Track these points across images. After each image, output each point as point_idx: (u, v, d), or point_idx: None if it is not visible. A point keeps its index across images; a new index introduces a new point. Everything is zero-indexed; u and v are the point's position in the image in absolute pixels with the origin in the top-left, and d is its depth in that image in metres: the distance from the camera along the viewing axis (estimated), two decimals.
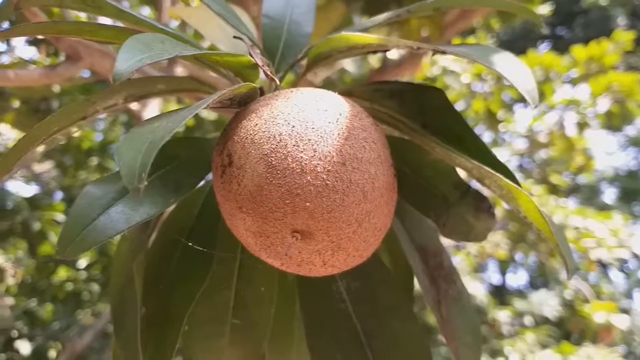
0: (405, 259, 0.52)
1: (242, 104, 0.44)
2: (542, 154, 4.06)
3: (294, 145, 0.39)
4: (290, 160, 0.38)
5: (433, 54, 0.47)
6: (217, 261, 0.50)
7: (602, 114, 3.46)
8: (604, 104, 3.32)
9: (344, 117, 0.41)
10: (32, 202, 3.21)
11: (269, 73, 0.45)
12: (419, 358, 0.49)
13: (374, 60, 3.32)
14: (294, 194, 0.38)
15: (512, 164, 4.74)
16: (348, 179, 0.39)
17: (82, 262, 3.81)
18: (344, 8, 1.30)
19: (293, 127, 0.39)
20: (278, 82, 0.46)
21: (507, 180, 0.42)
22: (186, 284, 0.48)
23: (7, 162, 0.43)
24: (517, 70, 0.41)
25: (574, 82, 3.59)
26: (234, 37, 0.48)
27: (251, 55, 0.43)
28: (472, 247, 4.58)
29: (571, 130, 3.59)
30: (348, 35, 0.47)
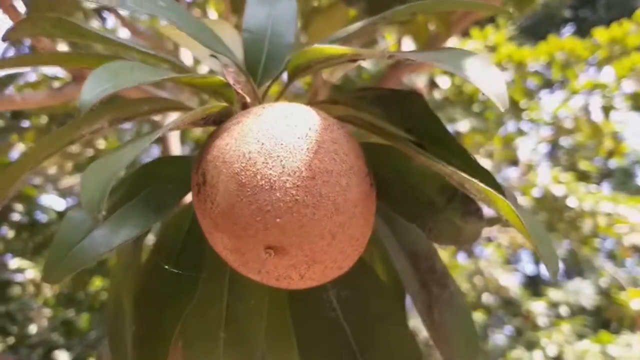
0: (393, 267, 0.52)
1: (218, 122, 0.45)
2: (569, 140, 3.98)
3: (263, 162, 0.39)
4: (259, 177, 0.39)
5: (405, 61, 0.47)
6: (207, 276, 0.51)
7: (628, 96, 3.37)
8: (630, 86, 3.24)
9: (313, 131, 0.41)
10: (63, 216, 3.29)
11: (239, 91, 0.45)
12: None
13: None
14: (264, 210, 0.38)
15: (539, 151, 4.66)
16: (318, 193, 0.39)
17: None
18: (347, 9, 1.30)
19: (262, 144, 0.40)
20: (248, 100, 0.46)
21: (483, 185, 0.42)
22: (175, 300, 0.49)
23: (3, 185, 0.44)
24: (485, 75, 0.40)
25: (597, 65, 3.51)
26: (210, 55, 0.49)
27: (223, 75, 0.44)
28: (503, 239, 4.52)
29: (597, 115, 3.51)
30: (322, 47, 0.47)
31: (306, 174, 0.39)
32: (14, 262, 3.31)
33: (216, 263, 0.52)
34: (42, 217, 3.48)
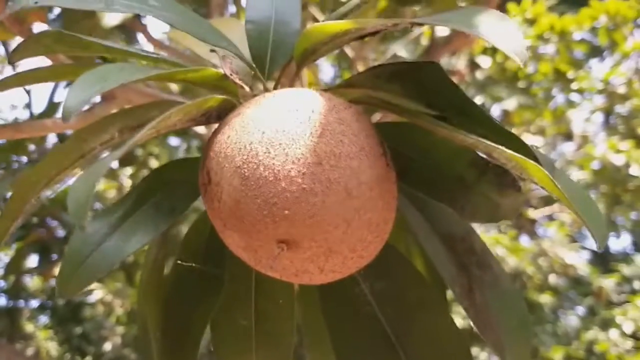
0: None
1: (221, 118, 0.43)
2: (625, 106, 3.77)
3: (265, 152, 0.37)
4: (262, 168, 0.36)
5: (411, 27, 0.43)
6: (233, 278, 0.49)
7: None
8: None
9: (317, 114, 0.38)
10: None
11: (237, 81, 0.43)
12: (456, 353, 0.46)
13: (425, 41, 3.22)
14: (270, 203, 0.36)
15: (593, 122, 4.45)
16: (327, 179, 0.36)
17: None
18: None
19: (263, 133, 0.37)
20: (247, 89, 0.44)
21: (511, 152, 0.38)
22: (202, 302, 0.48)
23: (9, 214, 0.44)
24: (499, 30, 0.37)
25: None
26: (210, 50, 0.47)
27: (219, 66, 0.42)
28: (566, 216, 4.33)
29: None
30: (322, 25, 0.45)
31: (312, 160, 0.36)
32: None
33: (241, 264, 0.50)
34: None
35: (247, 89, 0.44)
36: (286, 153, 0.36)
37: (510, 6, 3.52)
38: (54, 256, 2.99)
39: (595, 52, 3.98)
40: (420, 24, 0.40)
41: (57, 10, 1.48)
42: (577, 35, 3.55)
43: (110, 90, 0.98)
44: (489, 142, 0.39)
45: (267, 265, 0.38)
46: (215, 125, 0.45)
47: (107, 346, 4.19)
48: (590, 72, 3.79)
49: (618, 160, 3.57)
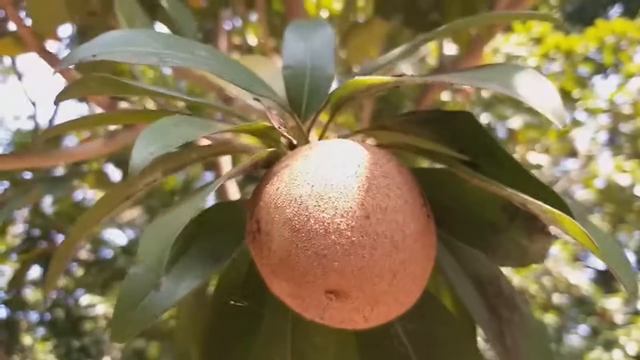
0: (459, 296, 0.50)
1: (268, 166, 0.45)
2: (630, 125, 3.80)
3: (315, 205, 0.39)
4: (312, 221, 0.38)
5: (451, 86, 0.45)
6: (270, 315, 0.50)
7: None
8: None
9: (362, 168, 0.40)
10: (128, 249, 3.41)
11: (284, 134, 0.45)
12: None
13: (432, 60, 3.26)
14: (320, 255, 0.38)
15: (598, 141, 4.47)
16: (374, 232, 0.38)
17: None
18: (385, 24, 1.29)
19: (312, 187, 0.39)
20: (294, 141, 0.46)
21: (547, 206, 0.40)
22: (241, 340, 0.49)
23: (61, 254, 0.46)
24: (537, 91, 0.39)
25: None
26: (254, 99, 0.49)
27: (267, 118, 0.44)
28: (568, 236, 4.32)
29: None
30: (365, 79, 0.47)
31: (360, 214, 0.38)
32: (85, 299, 3.44)
33: (278, 302, 0.51)
34: (106, 253, 3.61)
35: (294, 141, 0.46)
36: (335, 207, 0.38)
37: (516, 25, 3.56)
38: None
39: (599, 70, 4.01)
40: (458, 84, 0.42)
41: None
42: (582, 54, 3.58)
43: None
44: (524, 196, 0.41)
45: (316, 314, 0.40)
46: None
47: None
48: (593, 90, 3.82)
49: (623, 180, 3.59)
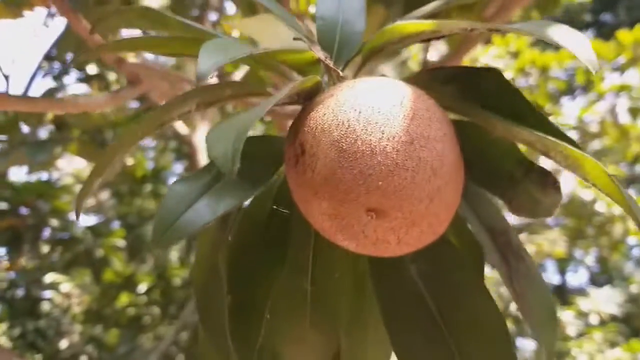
0: (473, 239, 0.53)
1: (307, 99, 0.47)
2: (596, 144, 3.94)
3: (362, 129, 0.41)
4: (360, 143, 0.40)
5: (490, 32, 0.48)
6: (293, 250, 0.52)
7: None
8: None
9: (407, 100, 0.43)
10: (94, 231, 3.35)
11: (331, 65, 0.47)
12: (495, 329, 0.50)
13: (414, 65, 3.32)
14: (366, 174, 0.40)
15: None
16: (417, 157, 0.41)
17: (142, 287, 3.94)
18: (385, 11, 1.33)
19: (360, 112, 0.42)
20: (340, 72, 0.48)
21: (573, 148, 0.43)
22: (264, 274, 0.51)
23: (96, 171, 0.47)
24: (574, 39, 0.42)
25: (622, 68, 3.49)
26: (294, 38, 0.51)
27: (313, 51, 0.46)
28: (529, 247, 4.46)
29: (624, 118, 3.48)
30: (402, 24, 0.49)
31: (405, 139, 0.41)
32: (49, 276, 3.36)
33: (300, 239, 0.53)
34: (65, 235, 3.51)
35: (340, 72, 0.48)
36: (382, 131, 0.41)
37: (495, 38, 3.66)
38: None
39: (568, 89, 4.15)
40: (499, 31, 0.45)
41: None
42: (556, 72, 3.71)
43: (137, 75, 1.00)
44: (550, 138, 0.44)
45: (354, 232, 0.42)
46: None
47: (64, 344, 4.08)
48: (560, 107, 3.95)
49: (586, 195, 3.72)
